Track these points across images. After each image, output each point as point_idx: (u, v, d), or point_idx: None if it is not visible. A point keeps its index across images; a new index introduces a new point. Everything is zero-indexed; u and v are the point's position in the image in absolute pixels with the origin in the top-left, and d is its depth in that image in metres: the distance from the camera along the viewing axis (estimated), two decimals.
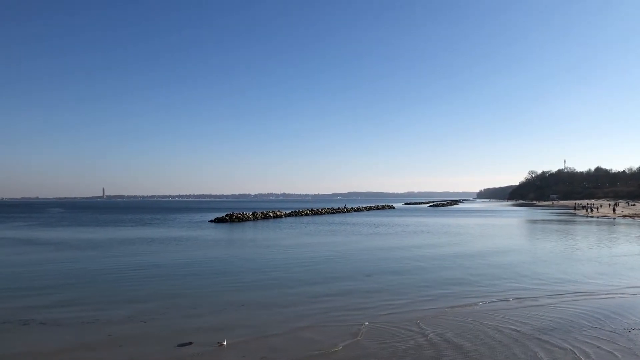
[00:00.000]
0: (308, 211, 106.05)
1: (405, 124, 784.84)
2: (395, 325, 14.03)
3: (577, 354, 11.39)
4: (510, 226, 64.23)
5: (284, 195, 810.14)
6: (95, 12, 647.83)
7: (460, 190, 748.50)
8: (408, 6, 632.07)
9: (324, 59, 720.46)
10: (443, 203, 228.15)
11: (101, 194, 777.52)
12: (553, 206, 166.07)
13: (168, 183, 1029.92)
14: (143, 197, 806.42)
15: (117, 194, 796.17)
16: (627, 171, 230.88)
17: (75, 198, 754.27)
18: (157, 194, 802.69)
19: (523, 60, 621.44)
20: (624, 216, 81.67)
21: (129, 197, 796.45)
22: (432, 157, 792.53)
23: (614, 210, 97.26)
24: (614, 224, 64.45)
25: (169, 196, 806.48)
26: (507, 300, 17.52)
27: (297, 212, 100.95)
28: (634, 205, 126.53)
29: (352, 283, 21.29)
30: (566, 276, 22.58)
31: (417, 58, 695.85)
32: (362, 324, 14.19)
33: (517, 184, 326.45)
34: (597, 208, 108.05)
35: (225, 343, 12.51)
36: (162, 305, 17.15)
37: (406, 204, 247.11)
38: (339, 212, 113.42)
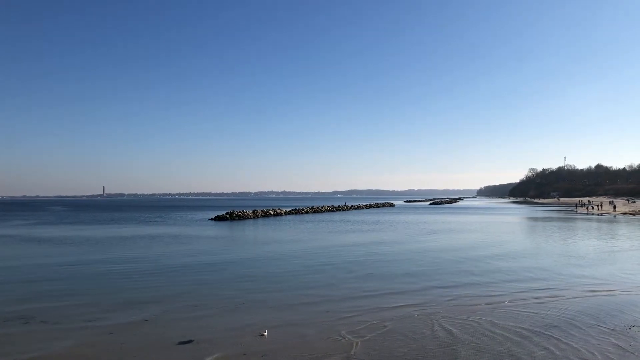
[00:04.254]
0: (308, 209, 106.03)
1: (405, 121, 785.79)
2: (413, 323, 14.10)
3: (578, 351, 11.43)
4: (512, 224, 64.16)
5: (284, 193, 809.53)
6: (95, 10, 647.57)
7: (461, 187, 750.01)
8: (406, 5, 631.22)
9: (324, 56, 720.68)
10: (443, 200, 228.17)
11: (101, 192, 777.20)
12: (555, 204, 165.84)
13: (168, 181, 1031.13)
14: (143, 195, 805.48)
15: (118, 192, 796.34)
16: (627, 168, 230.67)
17: (75, 196, 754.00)
18: (157, 192, 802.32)
19: (522, 57, 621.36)
20: (624, 213, 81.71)
21: (129, 195, 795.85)
22: (432, 154, 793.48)
23: (614, 207, 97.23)
24: (614, 222, 64.42)
25: (169, 194, 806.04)
26: (511, 297, 17.58)
27: (298, 210, 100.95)
28: (634, 202, 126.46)
29: (352, 283, 21.39)
30: (567, 273, 22.61)
31: (416, 55, 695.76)
32: (365, 323, 14.26)
33: (518, 181, 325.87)
34: (598, 205, 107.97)
35: (266, 333, 13.05)
36: (163, 303, 17.18)
37: (406, 201, 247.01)
38: (340, 210, 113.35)
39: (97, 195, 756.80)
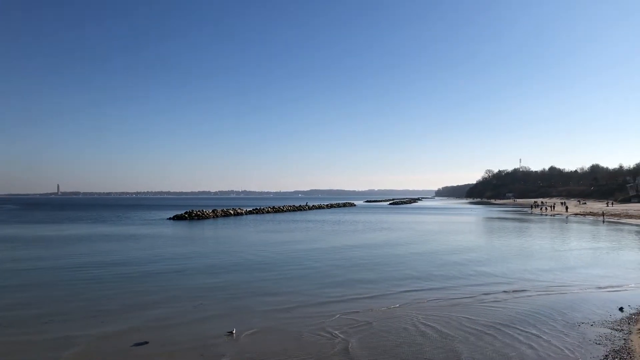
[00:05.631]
0: (269, 209, 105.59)
1: (366, 123, 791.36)
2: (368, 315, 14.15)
3: (532, 347, 11.73)
4: (469, 224, 65.50)
5: (244, 192, 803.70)
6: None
7: (420, 188, 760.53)
8: (374, 8, 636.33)
9: (286, 57, 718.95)
10: (403, 201, 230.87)
11: (56, 191, 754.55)
12: (511, 204, 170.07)
13: (125, 180, 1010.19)
14: (100, 194, 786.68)
15: (73, 191, 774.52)
16: (579, 171, 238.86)
17: (28, 194, 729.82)
18: (113, 191, 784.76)
19: (479, 62, 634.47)
20: (576, 214, 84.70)
21: (85, 194, 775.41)
22: (392, 155, 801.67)
23: (566, 208, 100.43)
24: (566, 222, 66.53)
25: (126, 193, 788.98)
26: (470, 296, 17.88)
27: (259, 210, 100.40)
28: (585, 203, 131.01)
29: (312, 279, 21.40)
30: (522, 273, 23.18)
31: (374, 56, 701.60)
32: (333, 316, 14.27)
33: (475, 182, 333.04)
34: (552, 206, 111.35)
35: (234, 332, 13.04)
36: (119, 303, 16.77)
37: (367, 201, 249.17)
38: (301, 210, 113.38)
39: (52, 194, 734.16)
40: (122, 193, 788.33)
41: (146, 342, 12.35)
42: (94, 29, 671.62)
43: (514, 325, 13.67)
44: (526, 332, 13.06)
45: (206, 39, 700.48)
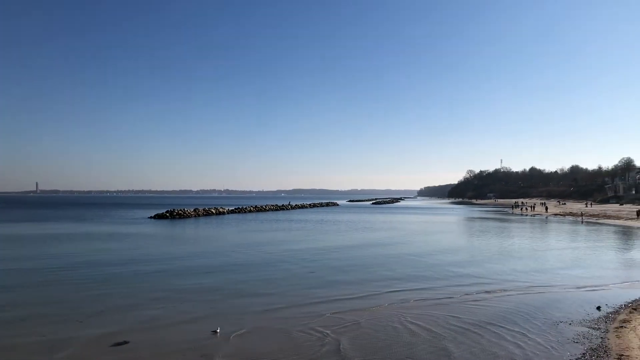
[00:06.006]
0: (252, 208, 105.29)
1: (349, 122, 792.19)
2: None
3: (513, 345, 11.88)
4: (450, 224, 66.04)
5: (227, 191, 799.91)
6: None
7: (402, 188, 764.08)
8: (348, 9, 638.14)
9: (266, 57, 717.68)
10: (385, 200, 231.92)
11: (34, 189, 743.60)
12: (492, 205, 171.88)
13: (106, 178, 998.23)
14: (80, 192, 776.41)
15: (52, 189, 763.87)
16: (559, 172, 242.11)
17: (5, 192, 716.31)
18: (94, 190, 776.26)
19: (461, 61, 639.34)
20: (555, 214, 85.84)
21: (64, 192, 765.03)
22: (375, 155, 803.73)
23: (546, 209, 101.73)
24: (546, 222, 67.42)
25: (107, 191, 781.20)
26: (453, 296, 18.02)
27: (241, 209, 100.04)
28: (565, 204, 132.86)
29: (293, 279, 21.39)
30: (502, 273, 23.43)
31: (358, 56, 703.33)
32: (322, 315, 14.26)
33: (456, 182, 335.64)
34: (532, 207, 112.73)
35: (218, 331, 12.99)
36: (100, 305, 16.56)
37: (350, 201, 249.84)
38: (283, 209, 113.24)
39: (30, 192, 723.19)
40: (103, 191, 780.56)
41: (126, 342, 12.23)
42: (62, 22, 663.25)
43: (495, 324, 13.79)
44: (508, 330, 13.20)
45: (196, 41, 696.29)
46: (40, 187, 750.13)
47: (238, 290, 18.99)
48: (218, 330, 13.07)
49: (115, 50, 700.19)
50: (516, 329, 13.32)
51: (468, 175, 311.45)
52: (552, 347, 11.78)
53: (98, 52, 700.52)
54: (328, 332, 13.20)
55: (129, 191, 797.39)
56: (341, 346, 11.97)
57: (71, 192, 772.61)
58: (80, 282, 20.57)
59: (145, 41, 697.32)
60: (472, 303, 16.68)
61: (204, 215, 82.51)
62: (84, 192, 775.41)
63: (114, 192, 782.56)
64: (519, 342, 12.18)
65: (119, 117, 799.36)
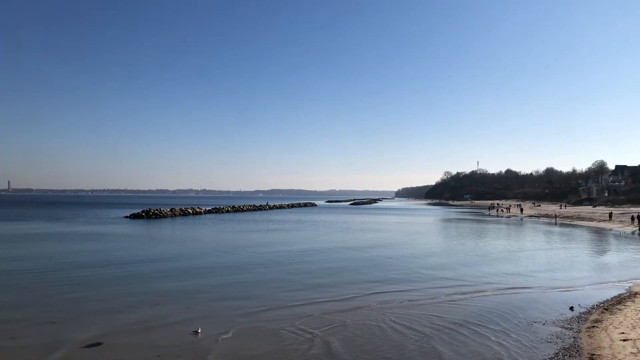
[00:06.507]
0: (229, 208, 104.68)
1: (327, 123, 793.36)
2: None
3: (486, 345, 12.00)
4: (428, 224, 66.58)
5: (204, 191, 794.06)
6: None
7: (380, 189, 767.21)
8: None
9: (246, 55, 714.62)
10: (363, 201, 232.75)
11: (6, 187, 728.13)
12: (469, 206, 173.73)
13: (80, 177, 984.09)
14: (53, 191, 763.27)
15: (25, 188, 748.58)
16: (534, 174, 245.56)
17: None
18: (68, 188, 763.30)
19: (439, 63, 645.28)
20: (530, 216, 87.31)
21: (38, 190, 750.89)
22: (353, 156, 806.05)
23: (521, 210, 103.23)
24: (521, 223, 68.39)
25: (82, 190, 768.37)
26: (433, 297, 18.15)
27: (218, 209, 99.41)
28: (540, 206, 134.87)
29: (270, 279, 21.30)
30: (478, 274, 23.67)
31: (334, 58, 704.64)
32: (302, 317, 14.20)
33: (434, 183, 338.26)
34: (507, 208, 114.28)
35: (199, 331, 12.91)
36: (70, 306, 16.29)
37: (328, 201, 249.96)
38: (261, 210, 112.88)
39: (2, 190, 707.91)
40: (77, 190, 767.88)
41: (100, 343, 12.02)
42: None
43: (467, 325, 13.91)
44: (483, 330, 13.33)
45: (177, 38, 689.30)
46: (13, 186, 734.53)
47: (217, 293, 18.65)
48: (199, 330, 12.94)
49: (87, 48, 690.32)
50: (492, 329, 13.45)
51: (445, 177, 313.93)
52: (526, 347, 11.92)
53: (65, 46, 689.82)
54: (316, 331, 13.22)
55: (104, 190, 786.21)
56: (332, 347, 11.98)
57: (45, 191, 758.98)
58: (53, 285, 20.11)
59: (121, 37, 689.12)
60: (451, 304, 16.80)
61: (180, 215, 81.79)
62: (58, 190, 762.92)
63: (89, 191, 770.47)
64: (495, 341, 12.31)
65: (93, 115, 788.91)
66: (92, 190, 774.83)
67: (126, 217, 74.01)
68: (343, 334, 13.11)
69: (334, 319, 14.54)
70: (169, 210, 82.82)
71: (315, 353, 11.58)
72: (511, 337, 12.78)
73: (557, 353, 11.40)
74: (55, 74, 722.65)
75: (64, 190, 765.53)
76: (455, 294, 18.51)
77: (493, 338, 12.67)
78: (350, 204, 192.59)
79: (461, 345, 12.05)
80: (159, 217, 73.98)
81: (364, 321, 14.35)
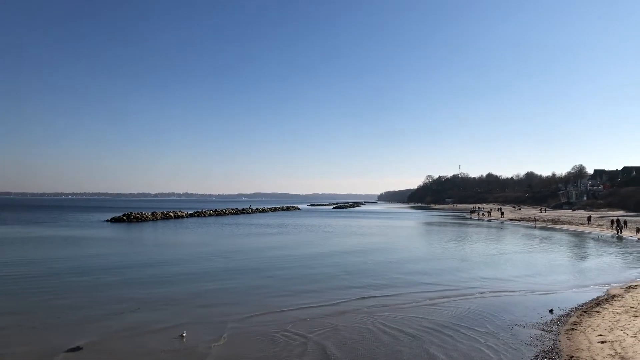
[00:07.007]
0: (211, 212, 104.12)
1: (310, 125, 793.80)
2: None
3: (466, 348, 12.12)
4: (410, 228, 66.97)
5: (186, 195, 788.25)
6: None
7: (363, 192, 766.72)
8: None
9: (225, 58, 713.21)
10: (346, 205, 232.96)
11: None
12: (451, 209, 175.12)
13: (60, 181, 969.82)
14: (33, 194, 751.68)
15: (3, 191, 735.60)
16: (514, 178, 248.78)
17: None
18: (48, 192, 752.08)
19: (420, 68, 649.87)
20: (511, 220, 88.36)
21: (16, 194, 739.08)
22: (336, 159, 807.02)
23: (502, 214, 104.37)
24: (502, 227, 69.08)
25: (62, 194, 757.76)
26: (417, 301, 18.29)
27: (200, 213, 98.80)
28: (520, 209, 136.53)
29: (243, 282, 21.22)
30: (460, 278, 23.89)
31: (317, 60, 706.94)
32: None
33: (416, 187, 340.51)
34: (489, 212, 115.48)
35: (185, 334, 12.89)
36: (50, 312, 16.09)
37: (311, 205, 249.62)
38: (244, 213, 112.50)
39: None
40: (57, 194, 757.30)
41: (79, 348, 11.90)
42: None
43: (451, 328, 14.07)
44: (463, 333, 13.47)
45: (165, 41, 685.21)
46: None
47: (202, 299, 18.37)
48: (184, 334, 12.86)
49: (60, 52, 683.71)
50: (472, 333, 13.59)
51: (427, 181, 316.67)
52: (506, 350, 12.06)
53: (35, 50, 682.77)
54: (309, 335, 13.28)
55: (84, 194, 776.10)
56: (327, 349, 12.09)
57: (24, 194, 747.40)
58: (33, 291, 19.79)
59: (101, 44, 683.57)
60: (435, 307, 16.97)
61: (162, 218, 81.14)
62: (37, 194, 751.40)
63: (69, 194, 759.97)
64: (469, 345, 12.45)
65: (73, 119, 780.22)
66: (72, 194, 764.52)
67: (107, 220, 73.20)
68: (335, 337, 13.21)
69: (324, 323, 14.61)
70: (150, 213, 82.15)
71: (312, 355, 11.72)
72: (490, 339, 12.92)
73: (536, 355, 11.56)
74: (34, 77, 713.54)
75: (44, 194, 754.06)
76: (439, 297, 18.65)
77: (482, 340, 12.83)
78: (334, 208, 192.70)
79: (451, 348, 12.18)
80: (140, 221, 73.33)
81: (353, 325, 14.46)
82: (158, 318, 15.05)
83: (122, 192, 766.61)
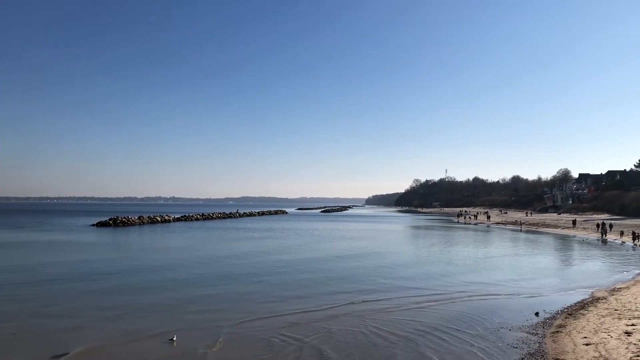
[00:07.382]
0: (198, 216, 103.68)
1: (298, 129, 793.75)
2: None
3: (451, 351, 12.22)
4: (398, 232, 67.13)
5: (173, 199, 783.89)
6: None
7: (350, 196, 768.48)
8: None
9: (220, 58, 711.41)
10: (334, 209, 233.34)
11: None
12: (438, 213, 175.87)
13: (45, 185, 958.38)
14: (17, 198, 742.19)
15: None
16: (501, 182, 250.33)
17: None
18: (33, 196, 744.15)
19: (407, 73, 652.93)
20: (497, 223, 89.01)
21: (0, 198, 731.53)
22: (324, 163, 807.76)
23: (488, 217, 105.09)
24: (488, 231, 69.57)
25: (47, 198, 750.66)
26: (405, 305, 18.35)
27: (187, 217, 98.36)
28: (506, 213, 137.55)
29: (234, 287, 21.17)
30: (446, 281, 24.02)
31: (307, 62, 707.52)
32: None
33: (403, 191, 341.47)
34: (475, 215, 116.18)
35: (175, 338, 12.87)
36: (33, 318, 15.94)
37: (299, 209, 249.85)
38: (231, 217, 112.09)
39: None
40: (42, 198, 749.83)
41: (66, 353, 11.81)
42: None
43: (441, 330, 14.17)
44: (454, 335, 13.57)
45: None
46: None
47: (194, 305, 18.12)
48: (174, 338, 12.81)
49: (53, 53, 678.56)
50: (459, 335, 13.69)
51: (414, 185, 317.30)
52: (492, 353, 12.17)
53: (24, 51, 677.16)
54: (305, 339, 13.34)
55: (70, 198, 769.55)
56: (323, 352, 12.20)
57: (7, 198, 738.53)
58: (14, 298, 19.46)
59: (87, 46, 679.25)
60: (423, 311, 17.08)
61: (149, 223, 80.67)
62: (21, 198, 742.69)
63: (54, 198, 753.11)
64: (454, 347, 12.56)
65: (58, 121, 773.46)
66: (58, 198, 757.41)
67: (93, 225, 72.58)
68: (330, 340, 13.28)
69: (318, 327, 14.66)
70: (136, 218, 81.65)
71: (310, 359, 11.82)
72: (477, 342, 13.04)
73: (522, 358, 11.69)
74: (23, 78, 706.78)
75: (28, 198, 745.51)
76: (427, 301, 18.72)
77: (470, 342, 12.93)
78: (321, 212, 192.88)
79: (445, 350, 12.26)
80: (127, 225, 72.85)
81: (347, 329, 14.54)
82: (147, 325, 14.91)
83: (109, 196, 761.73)
